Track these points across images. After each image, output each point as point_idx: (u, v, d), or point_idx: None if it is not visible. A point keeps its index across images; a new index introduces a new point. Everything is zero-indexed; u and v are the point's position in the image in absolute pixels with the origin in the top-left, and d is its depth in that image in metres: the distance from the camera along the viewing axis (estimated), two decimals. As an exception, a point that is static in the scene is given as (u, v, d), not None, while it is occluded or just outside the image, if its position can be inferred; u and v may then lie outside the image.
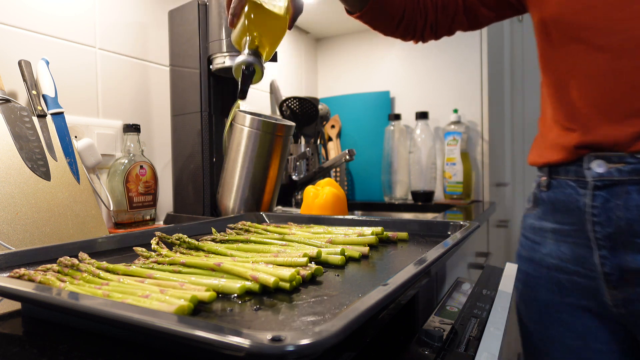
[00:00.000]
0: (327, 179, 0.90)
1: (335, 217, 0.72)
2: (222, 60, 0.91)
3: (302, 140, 1.34)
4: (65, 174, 0.73)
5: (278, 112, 1.35)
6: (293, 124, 0.92)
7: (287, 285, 0.38)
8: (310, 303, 0.35)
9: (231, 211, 0.90)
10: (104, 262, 0.43)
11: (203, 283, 0.38)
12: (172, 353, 0.29)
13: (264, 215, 0.80)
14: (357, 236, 0.55)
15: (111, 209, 0.88)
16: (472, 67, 1.50)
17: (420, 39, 0.91)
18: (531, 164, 0.80)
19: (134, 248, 0.50)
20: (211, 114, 0.95)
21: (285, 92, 1.57)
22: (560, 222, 0.73)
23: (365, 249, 0.52)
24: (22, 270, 0.39)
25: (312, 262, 0.45)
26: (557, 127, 0.72)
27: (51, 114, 0.77)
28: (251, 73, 0.69)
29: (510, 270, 0.81)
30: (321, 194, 0.85)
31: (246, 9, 0.68)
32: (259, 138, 0.87)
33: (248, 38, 0.69)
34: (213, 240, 0.55)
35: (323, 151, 1.42)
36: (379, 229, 0.58)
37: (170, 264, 0.44)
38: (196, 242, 0.51)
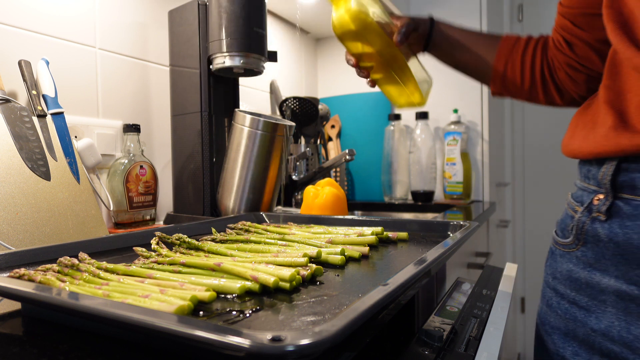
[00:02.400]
0: (327, 179, 0.90)
1: (335, 217, 0.72)
2: (222, 60, 0.91)
3: (302, 140, 1.34)
4: (65, 174, 0.73)
5: (278, 112, 1.35)
6: (293, 124, 0.92)
7: (287, 285, 0.38)
8: (310, 303, 0.35)
9: (231, 211, 0.90)
10: (104, 262, 0.43)
11: (203, 283, 0.38)
12: (172, 353, 0.29)
13: (264, 215, 0.80)
14: (357, 236, 0.55)
15: (111, 209, 0.88)
16: (472, 67, 1.49)
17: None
18: (570, 156, 0.53)
19: (134, 248, 0.50)
20: (211, 114, 0.95)
21: (285, 92, 1.57)
22: (638, 282, 0.45)
23: (365, 249, 0.52)
24: (22, 270, 0.39)
25: (312, 262, 0.45)
26: None
27: (51, 114, 0.77)
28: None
29: (510, 270, 0.81)
30: (321, 194, 0.85)
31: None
32: (259, 138, 0.87)
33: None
34: (213, 240, 0.55)
35: (323, 151, 1.42)
36: (379, 229, 0.58)
37: (170, 264, 0.44)
38: (196, 242, 0.51)
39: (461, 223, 0.62)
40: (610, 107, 0.47)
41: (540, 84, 0.69)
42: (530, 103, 0.74)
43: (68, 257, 0.43)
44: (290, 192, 1.18)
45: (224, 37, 0.90)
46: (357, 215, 0.90)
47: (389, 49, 0.70)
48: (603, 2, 0.50)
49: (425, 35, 0.74)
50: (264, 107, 1.49)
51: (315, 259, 0.47)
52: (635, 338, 0.44)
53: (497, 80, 0.72)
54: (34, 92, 0.77)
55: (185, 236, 0.53)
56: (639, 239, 0.44)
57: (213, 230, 0.60)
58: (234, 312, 0.33)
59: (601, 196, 0.49)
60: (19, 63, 0.78)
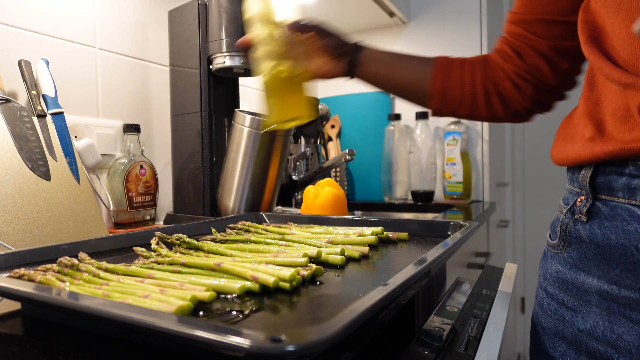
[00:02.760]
0: (327, 179, 0.90)
1: (335, 217, 0.72)
2: (222, 60, 0.91)
3: (302, 140, 1.34)
4: (65, 174, 0.73)
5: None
6: (293, 124, 0.92)
7: (287, 285, 0.38)
8: (310, 303, 0.35)
9: (231, 211, 0.90)
10: (104, 262, 0.43)
11: (203, 283, 0.38)
12: (172, 353, 0.29)
13: (264, 215, 0.80)
14: (357, 236, 0.55)
15: (111, 209, 0.88)
16: (472, 67, 1.49)
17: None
18: (558, 164, 0.55)
19: (134, 248, 0.50)
20: (211, 114, 0.95)
21: (285, 92, 1.57)
22: (620, 282, 0.45)
23: (365, 249, 0.52)
24: (22, 270, 0.39)
25: (312, 262, 0.45)
26: (615, 86, 0.44)
27: (51, 114, 0.77)
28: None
29: (510, 270, 0.81)
30: (321, 194, 0.85)
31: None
32: (259, 138, 0.87)
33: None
34: (213, 240, 0.55)
35: (323, 151, 1.42)
36: (379, 229, 0.58)
37: (170, 264, 0.44)
38: (196, 242, 0.51)
39: (461, 223, 0.62)
40: (589, 119, 0.49)
41: (483, 96, 0.66)
42: (471, 119, 0.71)
43: (68, 257, 0.43)
44: (290, 192, 1.18)
45: (224, 37, 0.90)
46: (357, 215, 0.90)
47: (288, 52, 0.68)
48: (579, 16, 0.50)
49: (350, 54, 0.70)
50: (264, 107, 1.49)
51: (315, 259, 0.47)
52: (619, 337, 0.45)
53: (436, 97, 0.68)
54: (34, 92, 0.77)
55: (185, 236, 0.53)
56: (617, 239, 0.45)
57: (213, 230, 0.60)
58: (234, 312, 0.33)
59: (583, 198, 0.50)
60: (19, 63, 0.78)
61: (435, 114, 0.71)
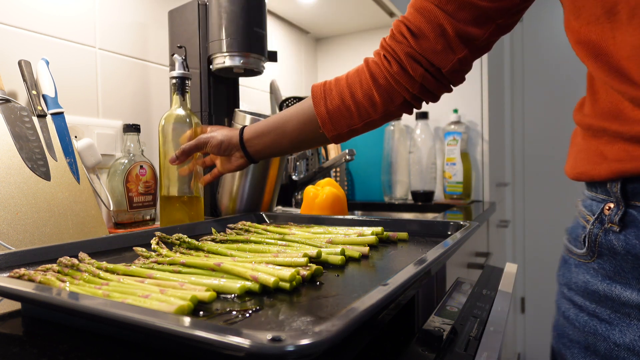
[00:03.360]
0: (327, 179, 0.90)
1: (335, 217, 0.72)
2: (222, 60, 0.91)
3: (302, 140, 1.33)
4: (65, 174, 0.73)
5: (278, 112, 1.35)
6: (293, 124, 0.92)
7: (287, 285, 0.38)
8: (310, 303, 0.35)
9: (231, 211, 0.90)
10: (104, 262, 0.43)
11: (203, 283, 0.38)
12: (172, 353, 0.29)
13: (264, 215, 0.80)
14: (357, 236, 0.55)
15: (111, 209, 0.88)
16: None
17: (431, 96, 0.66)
18: (575, 179, 0.50)
19: (134, 248, 0.50)
20: (211, 114, 0.95)
21: (285, 92, 1.57)
22: None
23: (365, 249, 0.52)
24: (22, 270, 0.39)
25: (312, 262, 0.45)
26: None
27: (51, 114, 0.77)
28: None
29: (510, 270, 0.81)
30: (321, 194, 0.85)
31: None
32: (259, 138, 0.87)
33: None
34: (213, 240, 0.55)
35: (323, 151, 1.42)
36: (379, 229, 0.58)
37: (170, 264, 0.44)
38: (196, 242, 0.51)
39: (461, 223, 0.62)
40: (612, 136, 0.45)
41: (366, 100, 0.64)
42: (370, 127, 0.68)
43: (68, 257, 0.43)
44: (290, 192, 1.18)
45: (224, 37, 0.90)
46: (357, 215, 0.90)
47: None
48: (572, 39, 0.47)
49: (236, 147, 0.72)
50: (264, 107, 1.49)
51: (315, 259, 0.47)
52: None
53: (326, 124, 0.66)
54: (34, 92, 0.77)
55: (185, 236, 0.53)
56: None
57: (213, 230, 0.60)
58: (234, 312, 0.33)
59: (611, 205, 0.46)
60: (19, 63, 0.78)
61: (335, 140, 0.68)
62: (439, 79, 0.62)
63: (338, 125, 0.66)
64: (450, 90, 0.65)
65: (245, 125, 0.73)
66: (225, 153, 0.73)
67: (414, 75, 0.60)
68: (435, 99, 0.65)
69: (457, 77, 0.63)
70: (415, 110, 0.74)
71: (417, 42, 0.59)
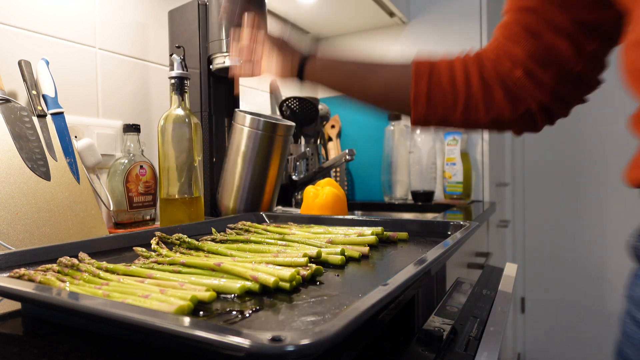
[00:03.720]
0: (327, 179, 0.90)
1: (335, 217, 0.72)
2: (222, 60, 0.91)
3: (302, 140, 1.33)
4: (65, 174, 0.73)
5: (278, 112, 1.35)
6: (293, 124, 0.92)
7: (287, 285, 0.38)
8: (310, 303, 0.35)
9: (231, 211, 0.90)
10: (104, 262, 0.43)
11: (203, 283, 0.38)
12: (172, 353, 0.29)
13: (264, 215, 0.80)
14: (357, 236, 0.55)
15: (111, 209, 0.88)
16: (472, 67, 1.49)
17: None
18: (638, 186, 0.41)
19: (134, 248, 0.50)
20: (211, 114, 0.95)
21: (285, 92, 1.57)
22: None
23: (365, 249, 0.52)
24: (22, 270, 0.39)
25: (312, 262, 0.45)
26: None
27: (51, 114, 0.77)
28: None
29: (510, 270, 0.81)
30: (321, 194, 0.85)
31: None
32: (259, 138, 0.87)
33: None
34: (213, 240, 0.55)
35: (323, 151, 1.42)
36: (379, 229, 0.58)
37: (170, 264, 0.44)
38: (196, 242, 0.51)
39: (461, 223, 0.62)
40: None
41: (481, 93, 0.54)
42: (467, 127, 0.59)
43: (68, 257, 0.43)
44: (290, 192, 1.18)
45: (224, 37, 0.90)
46: (357, 215, 0.90)
47: None
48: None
49: (301, 54, 0.64)
50: (264, 107, 1.49)
51: (315, 259, 0.47)
52: None
53: (421, 103, 0.56)
54: (34, 92, 0.77)
55: (185, 236, 0.53)
56: None
57: (213, 230, 0.60)
58: (234, 312, 0.33)
59: None
60: (19, 63, 0.78)
61: (417, 122, 0.58)
62: (574, 81, 0.52)
63: (432, 110, 0.58)
64: (592, 89, 0.55)
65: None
66: (282, 46, 0.65)
67: (543, 80, 0.52)
68: (567, 110, 0.56)
69: (597, 69, 0.53)
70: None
71: (537, 41, 0.51)
